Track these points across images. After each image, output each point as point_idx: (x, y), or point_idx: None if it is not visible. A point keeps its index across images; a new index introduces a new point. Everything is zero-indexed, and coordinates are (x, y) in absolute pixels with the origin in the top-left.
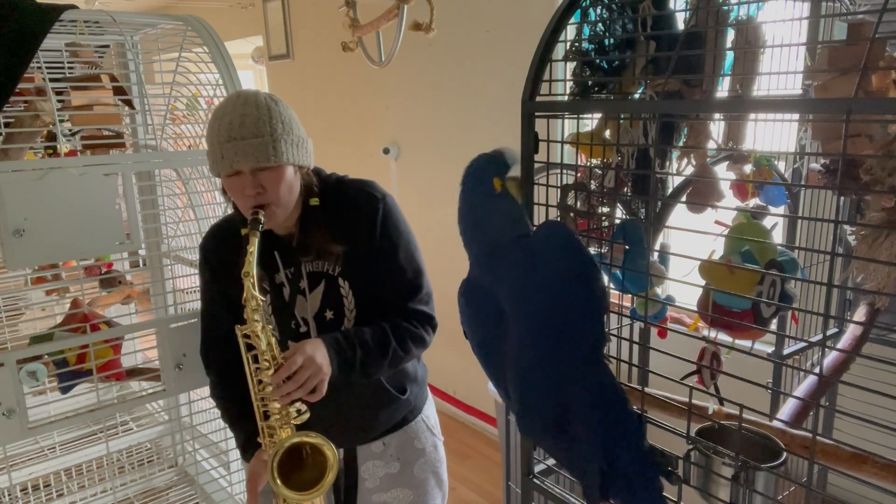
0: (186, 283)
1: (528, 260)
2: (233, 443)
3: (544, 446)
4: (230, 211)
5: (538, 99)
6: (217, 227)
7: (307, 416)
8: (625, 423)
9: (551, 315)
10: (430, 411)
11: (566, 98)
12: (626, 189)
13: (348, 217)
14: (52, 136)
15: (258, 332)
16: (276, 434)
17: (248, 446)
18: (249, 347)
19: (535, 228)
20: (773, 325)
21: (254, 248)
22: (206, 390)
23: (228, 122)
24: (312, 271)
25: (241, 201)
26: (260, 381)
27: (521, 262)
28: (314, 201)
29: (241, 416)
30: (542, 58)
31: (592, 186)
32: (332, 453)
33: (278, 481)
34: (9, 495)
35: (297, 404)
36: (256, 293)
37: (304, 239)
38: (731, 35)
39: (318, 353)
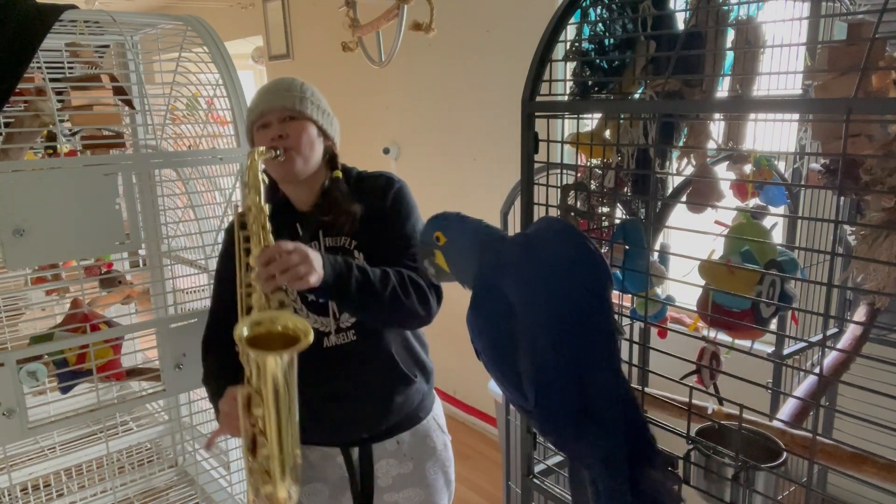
0: (186, 283)
1: (526, 249)
2: (233, 442)
3: (564, 443)
4: (230, 211)
5: (538, 99)
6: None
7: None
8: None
9: (558, 297)
10: (439, 410)
11: (566, 98)
12: (626, 189)
13: (366, 194)
14: (52, 136)
15: (252, 209)
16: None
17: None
18: (243, 227)
19: (533, 223)
20: (773, 325)
21: (265, 154)
22: (205, 390)
23: (268, 84)
24: (331, 246)
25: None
26: (248, 266)
27: (520, 252)
28: (338, 174)
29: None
30: (542, 58)
31: (592, 186)
32: (304, 323)
33: (245, 342)
34: (9, 495)
35: (281, 296)
36: (258, 166)
37: (325, 203)
38: (731, 35)
39: (310, 251)
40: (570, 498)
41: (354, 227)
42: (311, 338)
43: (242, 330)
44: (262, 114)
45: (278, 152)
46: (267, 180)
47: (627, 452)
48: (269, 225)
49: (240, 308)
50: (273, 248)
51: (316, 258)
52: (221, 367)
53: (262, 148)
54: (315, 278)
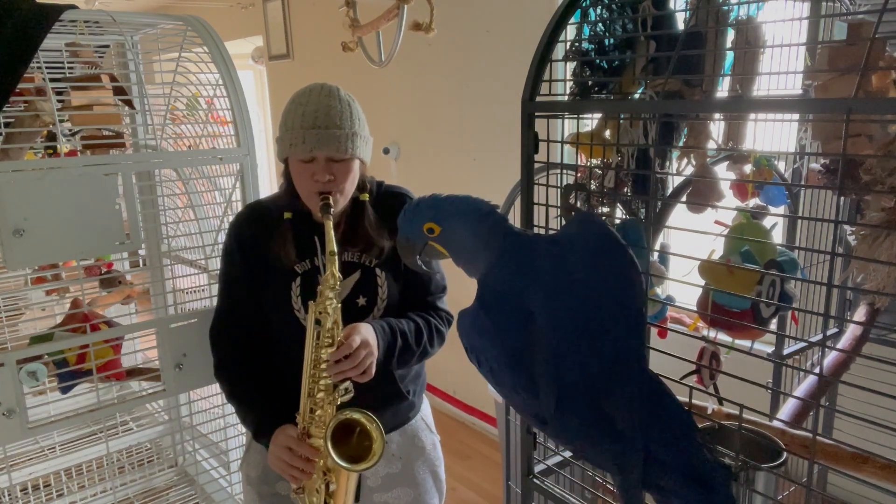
0: (186, 283)
1: (557, 258)
2: (233, 443)
3: (581, 448)
4: (230, 210)
5: (538, 99)
6: (252, 209)
7: (352, 395)
8: (671, 411)
9: (585, 310)
10: (427, 411)
11: (566, 98)
12: (626, 189)
13: (389, 212)
14: (52, 136)
15: (329, 310)
16: (318, 410)
17: (264, 426)
18: (308, 324)
19: (565, 224)
20: (773, 325)
21: (329, 229)
22: (206, 390)
23: (314, 111)
24: (348, 261)
25: (308, 185)
26: (315, 348)
27: (549, 262)
28: (364, 197)
29: (251, 396)
30: (542, 58)
31: (592, 186)
32: (381, 434)
33: (331, 449)
34: (9, 495)
35: (347, 383)
36: (337, 272)
37: (351, 232)
38: (731, 35)
39: (370, 336)
40: (569, 498)
41: (382, 256)
42: (383, 438)
43: (329, 435)
44: (311, 151)
45: (332, 206)
46: (286, 189)
47: (643, 457)
48: (340, 320)
49: (304, 390)
50: (347, 347)
51: (374, 343)
52: (235, 360)
53: (336, 275)
54: (375, 365)
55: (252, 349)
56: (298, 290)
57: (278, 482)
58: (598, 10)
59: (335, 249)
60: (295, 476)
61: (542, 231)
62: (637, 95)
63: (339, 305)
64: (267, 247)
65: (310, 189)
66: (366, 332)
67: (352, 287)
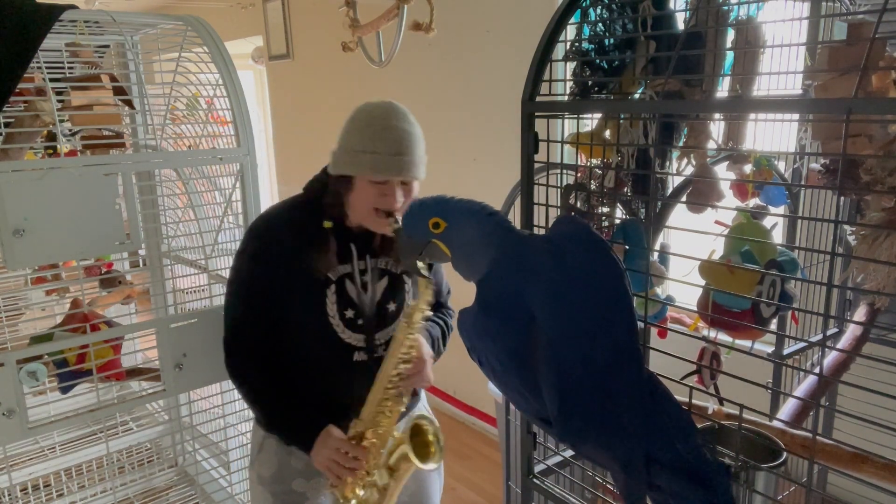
0: (186, 283)
1: (553, 257)
2: (233, 443)
3: (585, 448)
4: (230, 211)
5: (538, 99)
6: (275, 215)
7: (409, 400)
8: (670, 410)
9: (584, 308)
10: (425, 398)
11: (566, 98)
12: (626, 189)
13: None
14: (52, 136)
15: (414, 331)
16: (384, 413)
17: (305, 431)
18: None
19: (552, 225)
20: (773, 325)
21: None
22: (206, 390)
23: (399, 138)
24: (381, 268)
25: (371, 202)
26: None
27: (548, 261)
28: None
29: (282, 402)
30: (542, 58)
31: (592, 186)
32: (437, 436)
33: (409, 447)
34: (9, 495)
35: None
36: (431, 297)
37: (385, 240)
38: (731, 35)
39: (427, 348)
40: (569, 498)
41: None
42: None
43: (408, 437)
44: (391, 176)
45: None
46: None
47: (645, 448)
48: (419, 341)
49: (374, 399)
50: (420, 363)
51: (429, 351)
52: (255, 363)
53: (424, 306)
54: None
55: (273, 355)
56: (334, 297)
57: (294, 480)
58: (598, 10)
59: (432, 278)
60: (343, 476)
61: (543, 231)
62: (637, 95)
63: (418, 337)
64: (302, 255)
65: (372, 206)
66: (426, 346)
67: (381, 293)
